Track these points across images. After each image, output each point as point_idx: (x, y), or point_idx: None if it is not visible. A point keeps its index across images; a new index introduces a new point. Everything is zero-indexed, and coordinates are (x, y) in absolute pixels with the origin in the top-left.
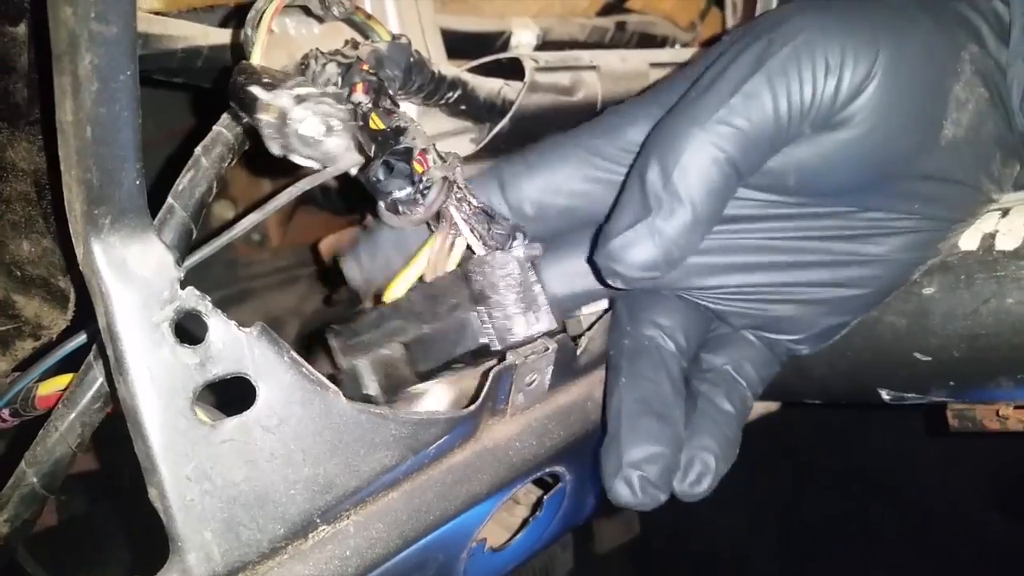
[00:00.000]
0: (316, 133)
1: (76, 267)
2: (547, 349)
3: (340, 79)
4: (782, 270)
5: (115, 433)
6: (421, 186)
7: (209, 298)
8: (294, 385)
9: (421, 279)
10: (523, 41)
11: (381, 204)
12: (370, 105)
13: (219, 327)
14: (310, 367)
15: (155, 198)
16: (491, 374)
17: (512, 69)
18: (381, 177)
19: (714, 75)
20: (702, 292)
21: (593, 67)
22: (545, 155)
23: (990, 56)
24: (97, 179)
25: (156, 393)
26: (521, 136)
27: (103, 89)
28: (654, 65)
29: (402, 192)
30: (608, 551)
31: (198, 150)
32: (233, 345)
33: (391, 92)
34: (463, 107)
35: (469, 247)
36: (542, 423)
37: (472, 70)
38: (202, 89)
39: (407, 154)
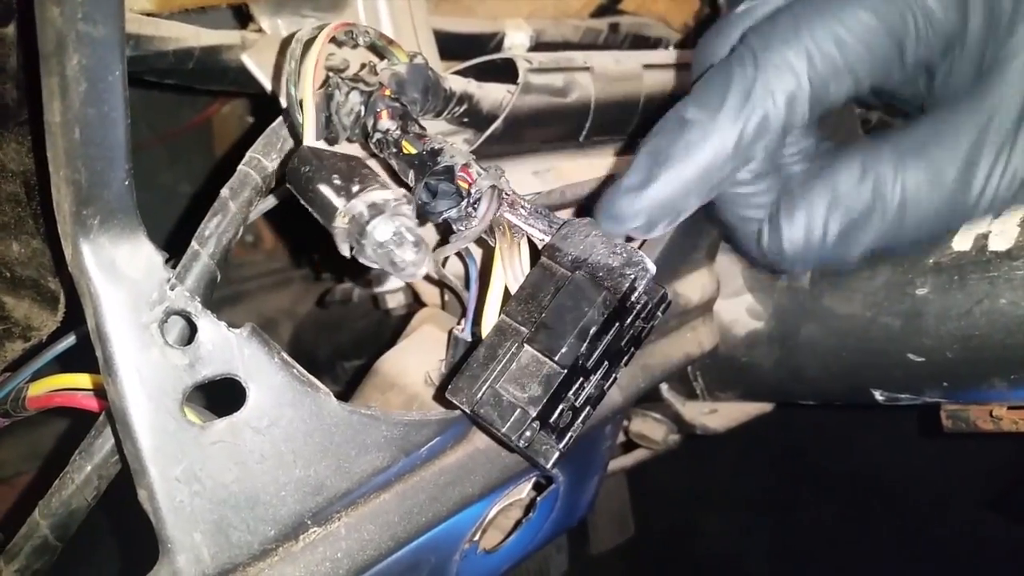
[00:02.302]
0: (390, 242)
1: (66, 268)
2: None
3: (363, 107)
4: None
5: None
6: (471, 199)
7: (199, 299)
8: (284, 386)
9: (507, 293)
10: (516, 43)
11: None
12: (398, 132)
13: (208, 328)
14: (301, 368)
15: (154, 205)
16: None
17: (506, 69)
18: (426, 199)
19: None
20: None
21: (587, 68)
22: None
23: None
24: (86, 180)
25: (145, 394)
26: (514, 138)
27: (91, 90)
28: (648, 67)
29: (452, 210)
30: (603, 552)
31: (225, 192)
32: (223, 346)
33: (415, 116)
34: (466, 119)
35: (533, 246)
36: None
37: (465, 70)
38: (195, 90)
39: (449, 172)
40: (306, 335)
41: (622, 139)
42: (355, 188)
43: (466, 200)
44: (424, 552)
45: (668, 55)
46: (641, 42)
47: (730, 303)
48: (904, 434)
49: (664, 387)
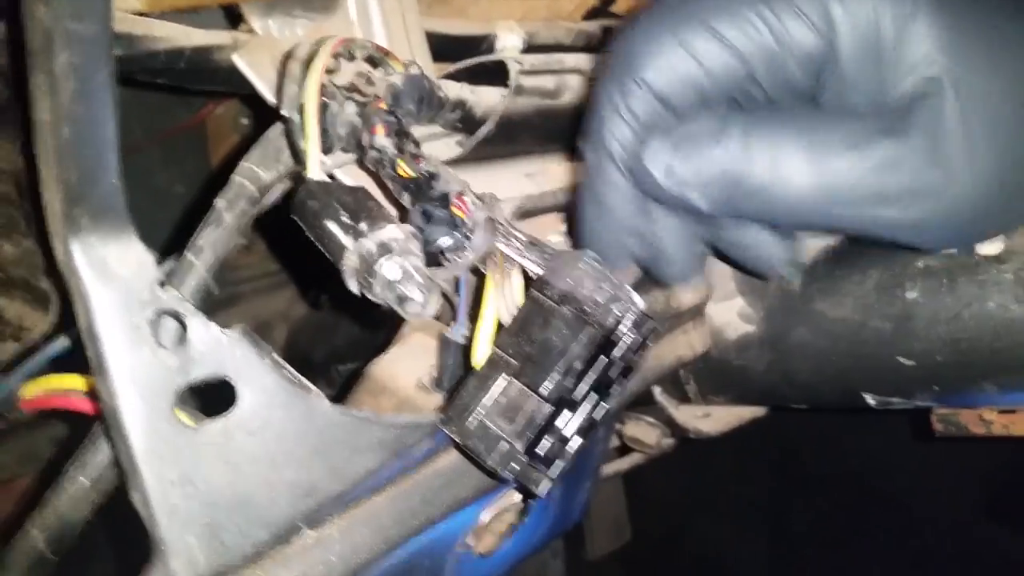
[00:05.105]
0: (399, 282)
1: (57, 268)
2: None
3: (359, 118)
4: None
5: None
6: (465, 230)
7: (190, 300)
8: (276, 388)
9: (499, 326)
10: (508, 45)
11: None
12: (395, 151)
13: (200, 329)
14: (292, 370)
15: (148, 207)
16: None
17: (497, 71)
18: (421, 226)
19: None
20: None
21: (578, 71)
22: None
23: None
24: (75, 178)
25: (137, 394)
26: (506, 139)
27: (80, 88)
28: None
29: (446, 240)
30: (599, 558)
31: (220, 203)
32: (214, 347)
33: (409, 130)
34: (459, 124)
35: (527, 276)
36: None
37: (456, 72)
38: (187, 91)
39: (444, 200)
40: (301, 338)
41: None
42: (363, 226)
43: (460, 230)
44: (418, 555)
45: None
46: None
47: (722, 306)
48: (898, 437)
49: (657, 390)
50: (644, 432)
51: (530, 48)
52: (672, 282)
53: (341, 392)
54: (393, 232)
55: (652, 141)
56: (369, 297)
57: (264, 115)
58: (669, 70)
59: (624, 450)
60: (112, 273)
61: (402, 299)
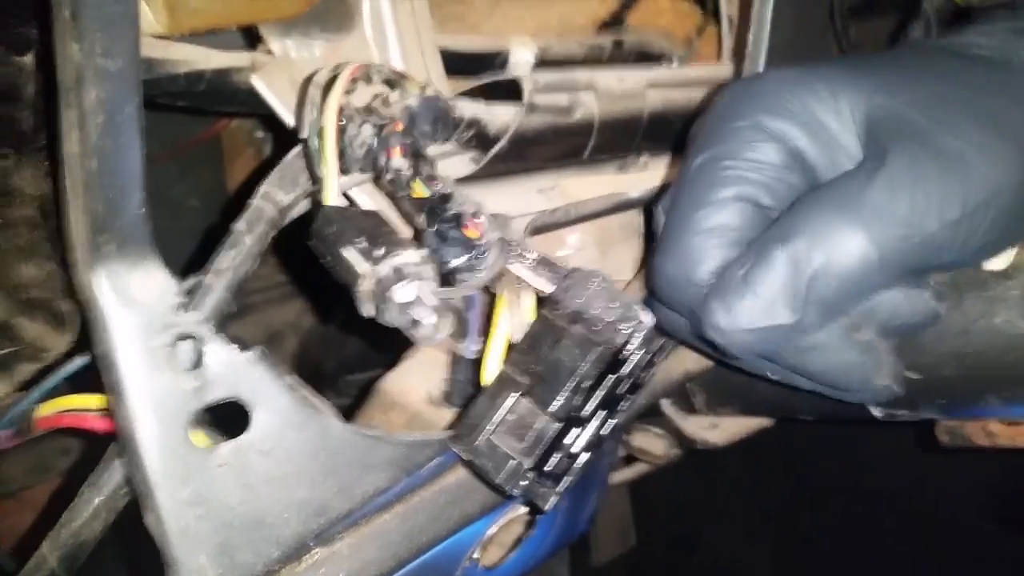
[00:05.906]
0: (412, 306)
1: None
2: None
3: (375, 140)
4: None
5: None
6: (478, 251)
7: (208, 321)
8: (290, 408)
9: (510, 343)
10: (521, 60)
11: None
12: (410, 172)
13: (217, 351)
14: (306, 390)
15: (163, 220)
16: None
17: (511, 88)
18: (435, 246)
19: None
20: None
21: (590, 87)
22: None
23: None
24: (102, 209)
25: (153, 418)
26: (519, 156)
27: (108, 122)
28: (651, 85)
29: (460, 260)
30: (605, 563)
31: (241, 226)
32: (231, 369)
33: (425, 151)
34: (473, 142)
35: (537, 293)
36: None
37: (471, 89)
38: (205, 111)
39: (457, 220)
40: (312, 348)
41: (624, 156)
42: (379, 252)
43: (474, 251)
44: (426, 571)
45: (671, 73)
46: (645, 57)
47: None
48: (905, 446)
49: (665, 402)
50: (651, 443)
51: (543, 62)
52: None
53: (352, 404)
54: (408, 257)
55: (711, 308)
56: (382, 321)
57: (282, 133)
58: (708, 264)
59: (631, 459)
60: (134, 299)
61: (414, 323)
